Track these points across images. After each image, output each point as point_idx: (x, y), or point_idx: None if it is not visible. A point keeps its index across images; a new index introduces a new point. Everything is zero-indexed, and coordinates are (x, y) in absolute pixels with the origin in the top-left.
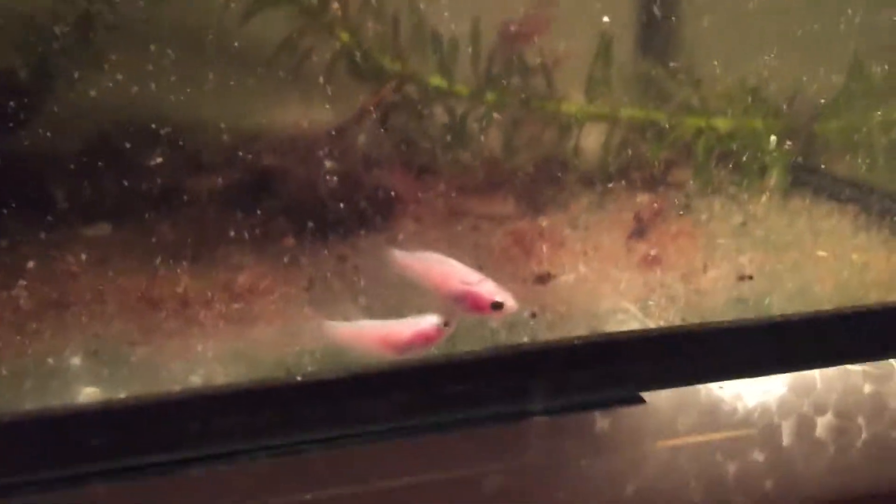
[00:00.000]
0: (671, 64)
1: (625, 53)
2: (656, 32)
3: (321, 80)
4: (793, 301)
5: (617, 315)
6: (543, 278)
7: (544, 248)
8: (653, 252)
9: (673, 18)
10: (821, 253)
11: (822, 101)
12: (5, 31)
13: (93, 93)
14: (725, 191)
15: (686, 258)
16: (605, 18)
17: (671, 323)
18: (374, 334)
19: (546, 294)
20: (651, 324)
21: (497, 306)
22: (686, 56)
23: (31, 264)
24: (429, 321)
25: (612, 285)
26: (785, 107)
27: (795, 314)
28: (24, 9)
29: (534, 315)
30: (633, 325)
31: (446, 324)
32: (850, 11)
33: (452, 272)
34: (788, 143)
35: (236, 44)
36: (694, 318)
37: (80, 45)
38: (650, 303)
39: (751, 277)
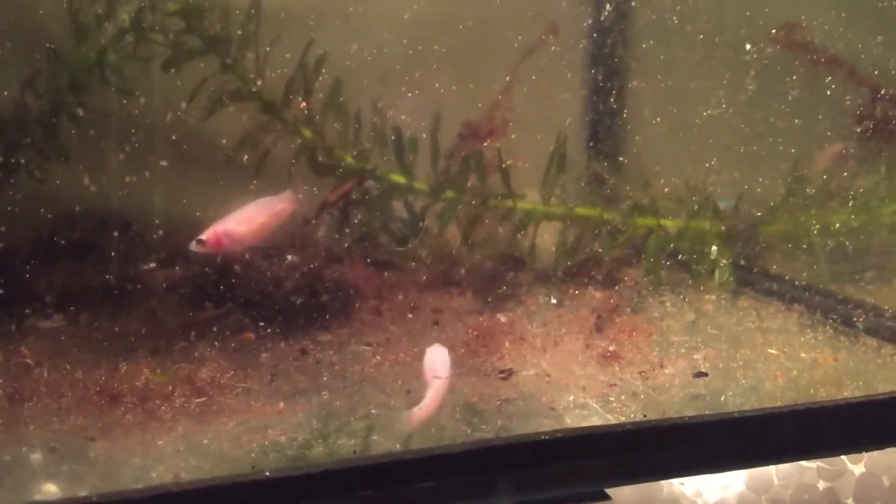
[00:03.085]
0: (620, 166)
1: (577, 154)
2: (607, 136)
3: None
4: (747, 398)
5: (578, 411)
6: (506, 373)
7: (506, 343)
8: (611, 348)
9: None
10: (771, 350)
11: (766, 205)
12: None
13: (55, 183)
14: (676, 289)
15: (642, 354)
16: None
17: (631, 419)
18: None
19: (509, 388)
20: (612, 419)
21: None
22: (636, 160)
23: None
24: None
25: (573, 380)
26: (730, 210)
27: (751, 410)
28: None
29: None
30: (595, 421)
31: None
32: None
33: None
34: (729, 244)
35: (195, 138)
36: (653, 414)
37: (45, 136)
38: (611, 398)
39: (706, 374)
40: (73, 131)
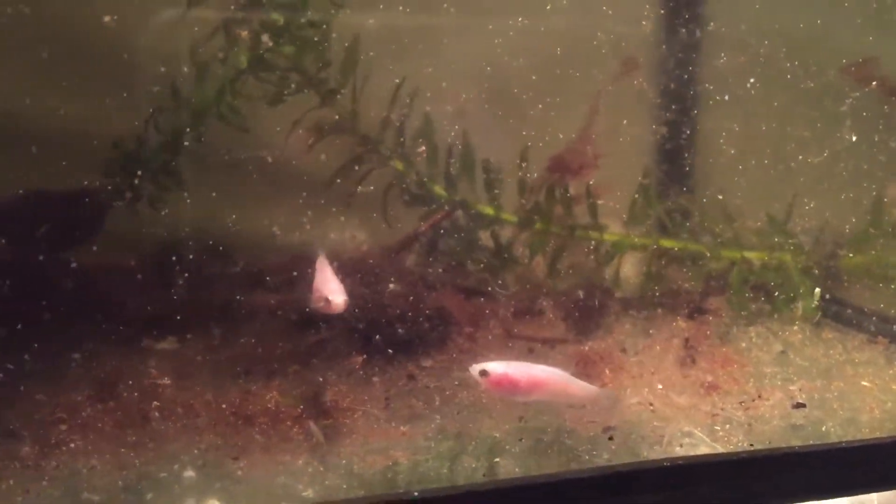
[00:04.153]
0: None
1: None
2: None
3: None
4: (847, 429)
5: (686, 440)
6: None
7: (606, 371)
8: (708, 378)
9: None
10: (864, 383)
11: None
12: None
13: (171, 212)
14: (759, 319)
15: (739, 385)
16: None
17: (739, 448)
18: None
19: (613, 416)
20: (720, 448)
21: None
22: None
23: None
24: None
25: (676, 410)
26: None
27: (855, 441)
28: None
29: (611, 438)
30: (703, 450)
31: None
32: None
33: None
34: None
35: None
36: (759, 444)
37: (163, 168)
38: (716, 428)
39: (804, 405)
40: (189, 164)
